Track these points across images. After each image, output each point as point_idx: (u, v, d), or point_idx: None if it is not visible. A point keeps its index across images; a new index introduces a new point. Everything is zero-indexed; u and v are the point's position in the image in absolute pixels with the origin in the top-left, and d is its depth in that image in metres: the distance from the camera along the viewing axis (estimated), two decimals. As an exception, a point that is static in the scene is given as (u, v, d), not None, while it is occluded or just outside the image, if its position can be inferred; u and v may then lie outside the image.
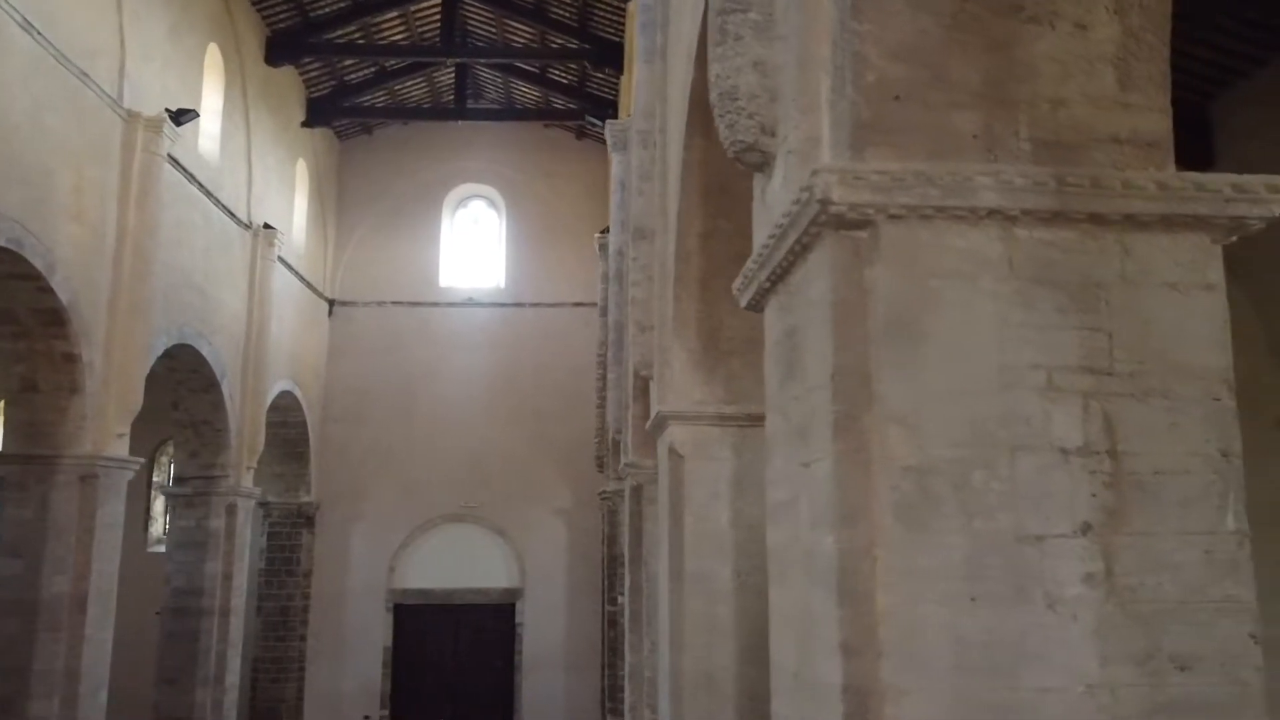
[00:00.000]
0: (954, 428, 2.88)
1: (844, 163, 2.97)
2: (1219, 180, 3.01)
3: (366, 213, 19.75)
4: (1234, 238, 3.14)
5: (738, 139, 3.55)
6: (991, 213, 2.97)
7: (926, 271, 2.95)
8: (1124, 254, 3.03)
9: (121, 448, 11.53)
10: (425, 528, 18.97)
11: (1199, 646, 2.84)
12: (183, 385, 14.32)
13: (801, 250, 3.22)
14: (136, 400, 11.60)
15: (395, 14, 16.73)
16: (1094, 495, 2.88)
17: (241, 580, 15.09)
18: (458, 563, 18.87)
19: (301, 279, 17.87)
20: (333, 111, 18.29)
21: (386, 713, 18.45)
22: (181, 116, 12.24)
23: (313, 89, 18.09)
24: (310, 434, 18.48)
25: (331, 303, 19.38)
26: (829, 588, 2.90)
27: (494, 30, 17.71)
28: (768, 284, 3.57)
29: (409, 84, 19.16)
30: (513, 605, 18.94)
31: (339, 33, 16.60)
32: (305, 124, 17.78)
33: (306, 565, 18.55)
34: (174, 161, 12.66)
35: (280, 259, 16.34)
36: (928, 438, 2.86)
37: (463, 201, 20.55)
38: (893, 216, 2.95)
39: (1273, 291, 9.58)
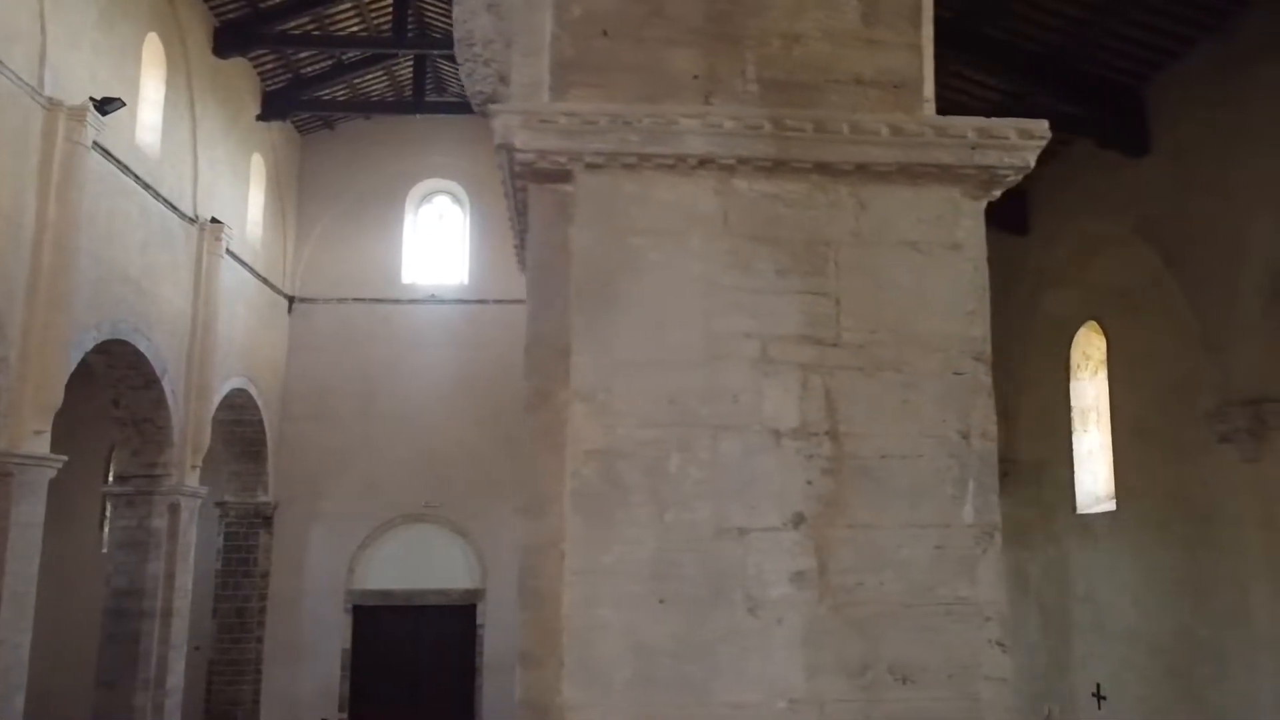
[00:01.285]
0: (649, 405, 2.52)
1: (530, 105, 2.62)
2: (963, 124, 2.64)
3: (328, 208, 19.41)
4: (997, 193, 2.77)
5: (477, 89, 3.20)
6: (704, 162, 2.61)
7: (628, 228, 2.60)
8: (860, 209, 2.67)
9: (41, 445, 11.22)
10: (385, 528, 18.63)
11: (925, 655, 2.47)
12: (122, 382, 14.01)
13: (522, 209, 2.88)
14: (56, 397, 11.29)
15: (349, 4, 16.42)
16: (809, 483, 2.52)
17: (186, 581, 14.76)
18: (418, 563, 18.52)
19: (257, 275, 17.56)
20: (289, 105, 17.96)
21: (345, 715, 18.11)
22: (107, 105, 11.92)
23: (268, 82, 17.77)
24: (267, 433, 18.16)
25: (291, 299, 19.07)
26: (520, 589, 2.56)
27: (449, 20, 17.40)
28: (517, 246, 3.24)
29: (368, 77, 18.82)
30: (474, 606, 18.58)
31: (291, 24, 16.27)
32: (260, 117, 17.47)
33: (264, 566, 18.22)
34: (104, 152, 12.35)
35: (232, 254, 16.03)
36: (617, 416, 2.51)
37: (426, 197, 20.21)
38: (590, 166, 2.60)
39: (1208, 283, 9.18)
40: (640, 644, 2.41)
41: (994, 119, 2.71)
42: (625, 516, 2.46)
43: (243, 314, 16.99)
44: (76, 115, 11.53)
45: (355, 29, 17.27)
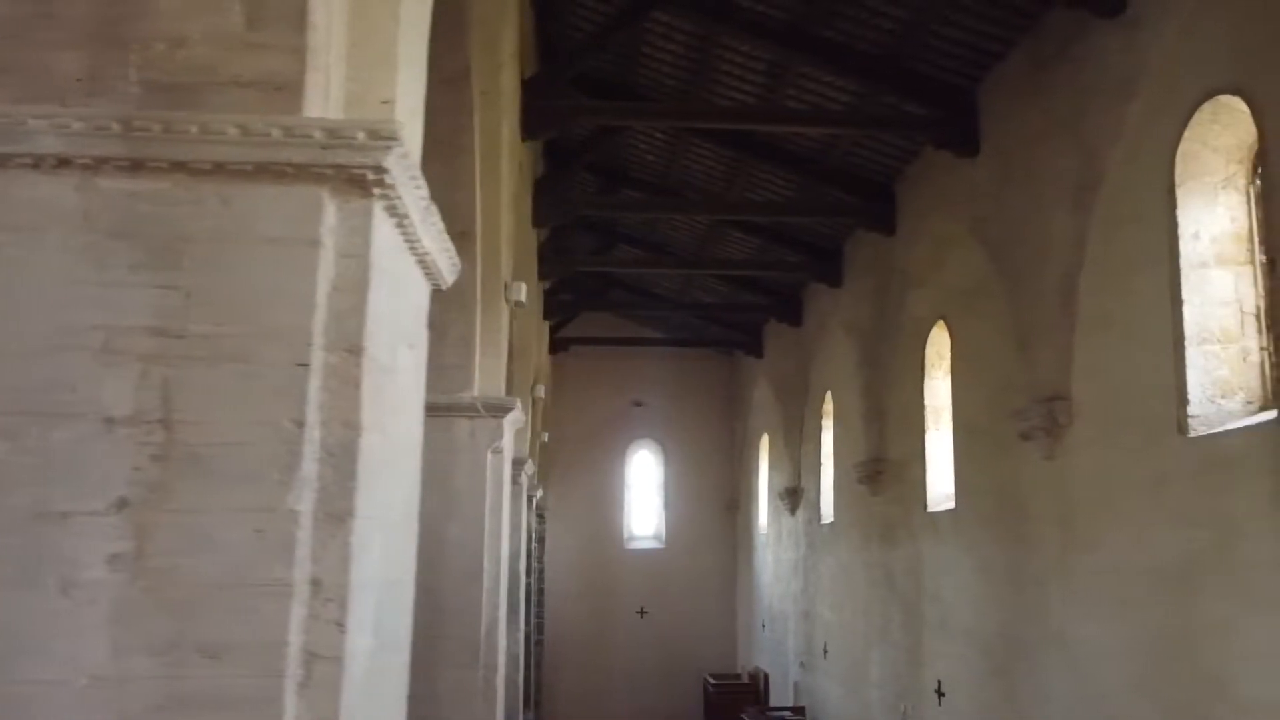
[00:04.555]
0: (-7, 395, 2.62)
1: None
2: (309, 125, 2.73)
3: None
4: (380, 193, 2.86)
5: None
6: (63, 161, 2.72)
7: (-7, 226, 2.70)
8: (223, 207, 2.76)
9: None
10: None
11: (233, 634, 2.57)
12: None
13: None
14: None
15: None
16: (137, 469, 2.62)
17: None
18: None
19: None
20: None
21: None
22: None
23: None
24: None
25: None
26: None
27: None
28: None
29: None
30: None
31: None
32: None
33: None
34: None
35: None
36: (-37, 407, 2.61)
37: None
38: (-37, 166, 2.71)
39: (1023, 283, 9.28)
40: (-48, 624, 2.51)
41: (345, 119, 2.82)
42: None
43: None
44: None
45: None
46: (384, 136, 2.75)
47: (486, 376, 8.36)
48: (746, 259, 17.11)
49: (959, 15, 9.46)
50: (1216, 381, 6.81)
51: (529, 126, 10.22)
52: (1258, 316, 6.72)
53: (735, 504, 23.59)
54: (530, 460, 13.91)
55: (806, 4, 10.16)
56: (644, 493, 24.75)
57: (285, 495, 2.64)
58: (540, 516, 22.27)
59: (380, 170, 2.78)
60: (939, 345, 11.62)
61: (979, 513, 10.29)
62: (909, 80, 10.53)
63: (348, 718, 2.72)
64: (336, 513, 2.72)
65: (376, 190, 2.85)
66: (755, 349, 21.14)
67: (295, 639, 2.61)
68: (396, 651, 3.44)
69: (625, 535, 24.38)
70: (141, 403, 2.64)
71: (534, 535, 20.84)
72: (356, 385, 2.80)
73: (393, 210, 3.00)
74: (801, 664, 17.26)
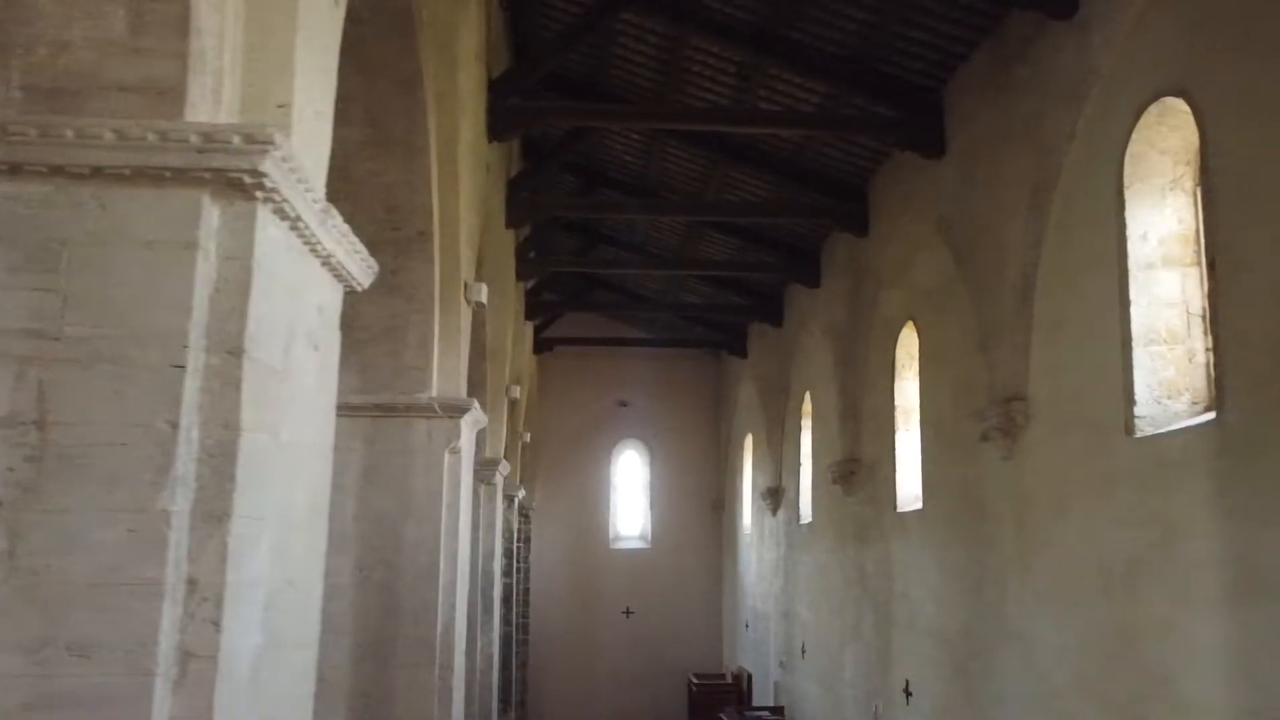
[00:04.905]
0: None
1: None
2: (186, 129, 2.77)
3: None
4: (263, 196, 2.89)
5: None
6: (-59, 166, 2.75)
7: None
8: (101, 210, 2.80)
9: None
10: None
11: (104, 633, 2.60)
12: None
13: None
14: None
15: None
16: (10, 470, 2.66)
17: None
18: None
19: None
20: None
21: None
22: None
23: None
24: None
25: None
26: None
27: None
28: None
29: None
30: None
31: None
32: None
33: None
34: None
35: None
36: None
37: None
38: None
39: (985, 283, 9.30)
40: None
41: (222, 123, 2.85)
42: None
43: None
44: None
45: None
46: (260, 140, 2.78)
47: (446, 377, 8.39)
48: (727, 260, 17.14)
49: (921, 16, 9.48)
50: (1163, 382, 6.83)
51: (496, 127, 10.24)
52: (1204, 318, 6.74)
53: (721, 504, 23.62)
54: (506, 460, 13.94)
55: (771, 5, 10.19)
56: (630, 493, 24.77)
57: (158, 495, 2.68)
58: (525, 517, 22.30)
59: (258, 174, 2.82)
60: (909, 346, 11.65)
61: (944, 513, 10.32)
62: (876, 81, 10.56)
63: (228, 716, 2.76)
64: (214, 513, 2.76)
65: (259, 194, 2.89)
66: (740, 349, 21.17)
67: (168, 638, 2.64)
68: (300, 649, 3.47)
69: (611, 535, 24.41)
70: (17, 404, 2.68)
71: (519, 535, 20.88)
72: (237, 387, 2.83)
73: (282, 213, 3.03)
74: (781, 663, 17.28)
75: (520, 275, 15.44)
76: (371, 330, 7.99)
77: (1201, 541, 6.09)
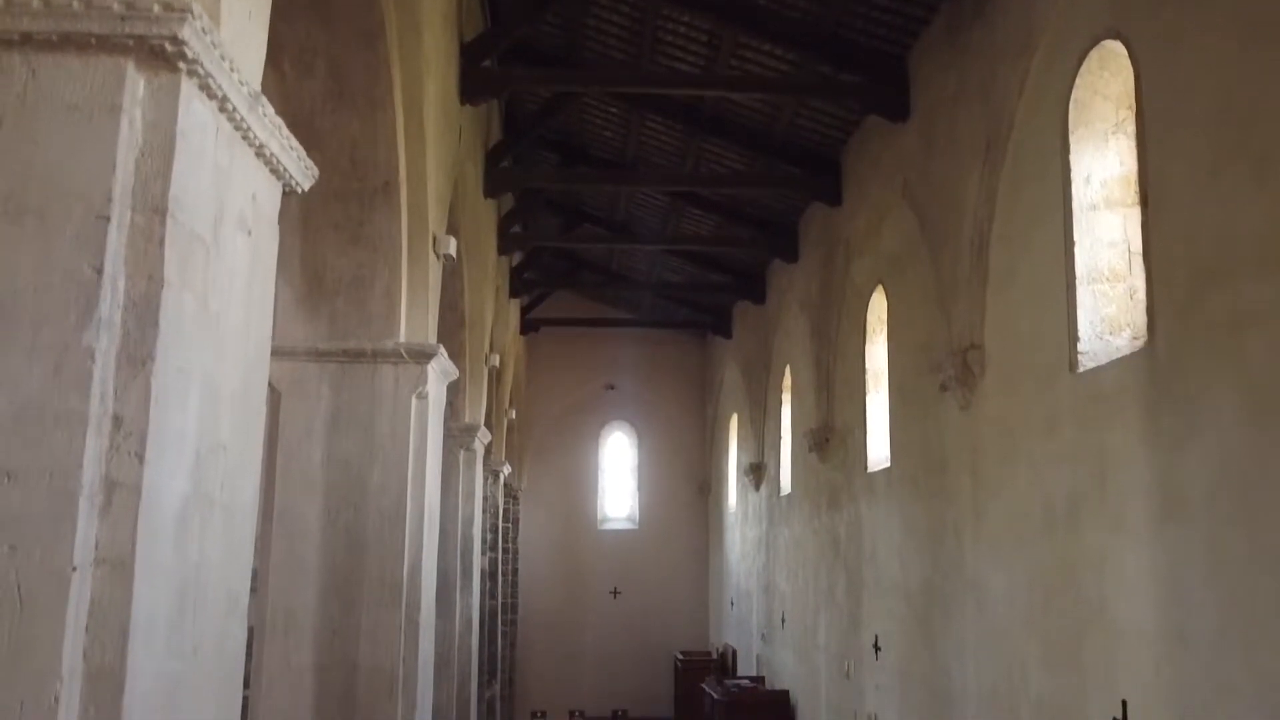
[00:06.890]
0: None
1: None
2: (112, -2, 2.96)
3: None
4: (185, 68, 3.08)
5: None
6: (-119, 33, 2.95)
7: None
8: (30, 76, 2.99)
9: None
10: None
11: (30, 459, 2.79)
12: None
13: None
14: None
15: None
16: (-57, 312, 2.85)
17: None
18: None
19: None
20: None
21: None
22: None
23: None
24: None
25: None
26: None
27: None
28: None
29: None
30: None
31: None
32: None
33: None
34: None
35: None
36: None
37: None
38: None
39: (944, 243, 9.49)
40: None
41: (146, -6, 3.03)
42: None
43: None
44: None
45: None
46: (178, 8, 2.97)
47: (414, 328, 8.57)
48: (709, 235, 17.35)
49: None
50: (1105, 319, 7.03)
51: (468, 90, 10.44)
52: (1144, 256, 6.93)
53: (708, 486, 23.82)
54: (486, 429, 14.13)
55: (737, -29, 10.39)
56: (618, 475, 24.97)
57: (83, 334, 2.87)
58: (514, 498, 22.51)
59: (178, 41, 3.00)
60: (879, 310, 11.85)
61: (906, 470, 10.51)
62: (842, 48, 10.75)
63: (153, 545, 2.94)
64: (138, 356, 2.95)
65: (182, 64, 3.08)
66: (725, 330, 21.38)
67: (93, 466, 2.83)
68: (237, 512, 3.63)
69: (599, 517, 24.61)
70: (-55, 252, 2.87)
71: (506, 516, 21.09)
72: (160, 243, 3.02)
73: (208, 89, 3.22)
74: (763, 636, 17.49)
75: (502, 250, 15.64)
76: (340, 280, 8.19)
77: (1132, 469, 6.29)
